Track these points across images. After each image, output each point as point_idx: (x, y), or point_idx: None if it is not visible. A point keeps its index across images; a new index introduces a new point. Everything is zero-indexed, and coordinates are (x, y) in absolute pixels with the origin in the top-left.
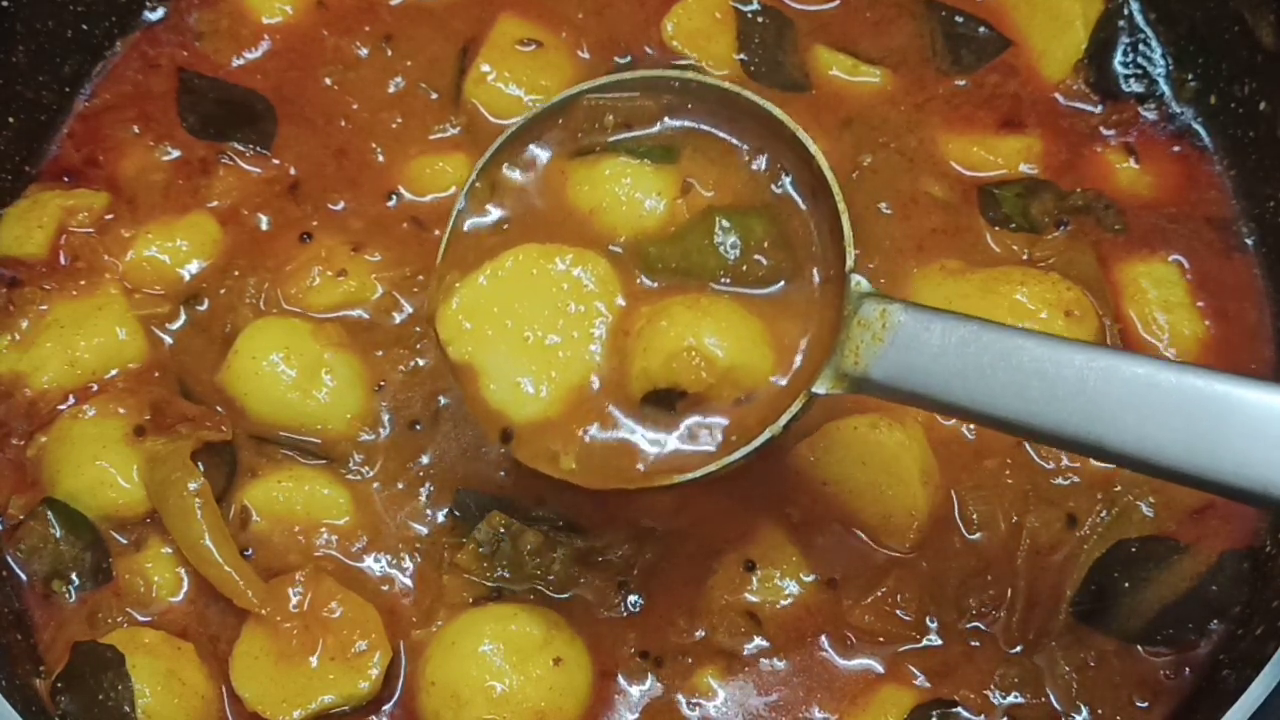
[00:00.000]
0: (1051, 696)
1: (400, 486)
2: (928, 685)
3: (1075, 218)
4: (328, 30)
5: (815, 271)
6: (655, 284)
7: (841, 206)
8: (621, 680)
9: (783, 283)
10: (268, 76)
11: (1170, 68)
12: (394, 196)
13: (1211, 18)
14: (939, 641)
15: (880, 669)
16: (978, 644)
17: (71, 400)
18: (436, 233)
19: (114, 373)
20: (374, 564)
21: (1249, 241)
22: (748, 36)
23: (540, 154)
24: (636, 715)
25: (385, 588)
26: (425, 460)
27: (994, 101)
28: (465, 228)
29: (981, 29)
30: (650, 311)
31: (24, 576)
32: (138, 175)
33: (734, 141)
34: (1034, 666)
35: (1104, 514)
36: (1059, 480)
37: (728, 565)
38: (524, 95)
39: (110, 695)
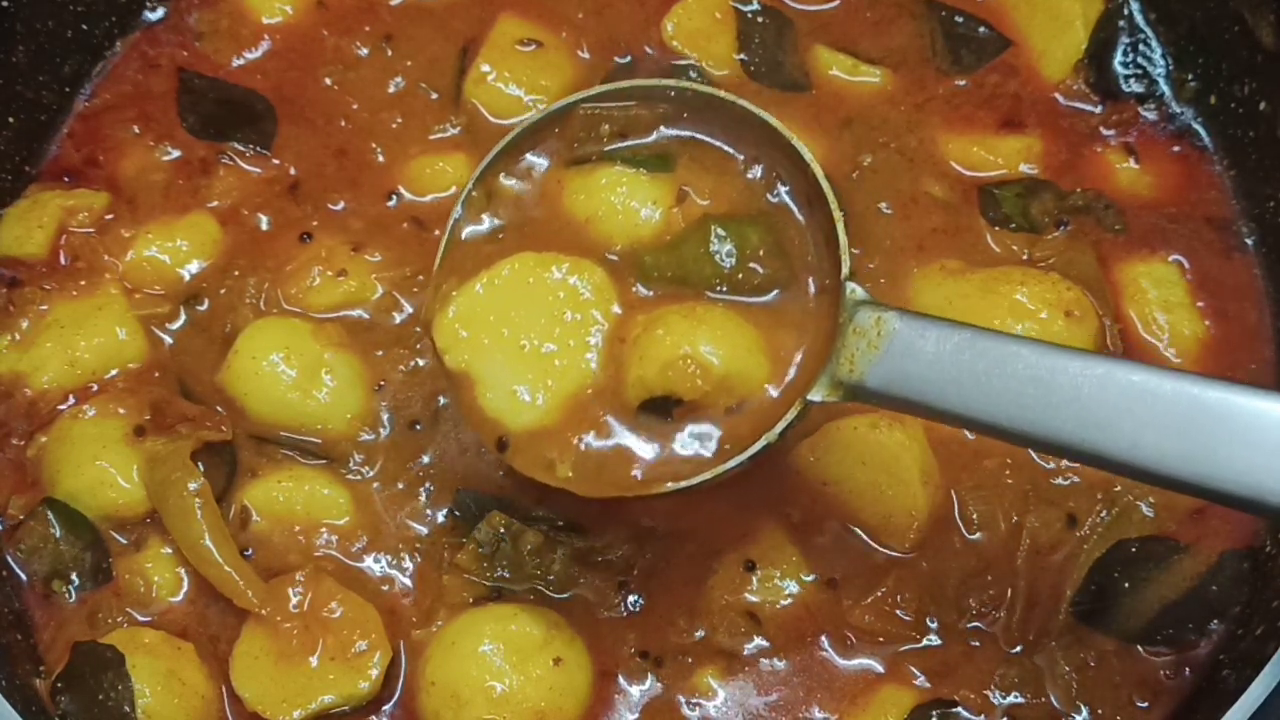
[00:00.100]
0: (1051, 696)
1: (400, 486)
2: (928, 685)
3: (1075, 218)
4: (328, 30)
5: (811, 280)
6: (651, 292)
7: (837, 215)
8: (621, 680)
9: (778, 291)
10: (268, 76)
11: (1170, 68)
12: (394, 196)
13: (1211, 18)
14: (939, 641)
15: (880, 669)
16: (978, 644)
17: (71, 400)
18: (436, 233)
19: (114, 373)
20: (374, 564)
21: (1249, 241)
22: (748, 36)
23: (537, 163)
24: (636, 715)
25: (385, 588)
26: (425, 460)
27: (994, 101)
28: (462, 236)
29: (981, 29)
30: (646, 320)
31: (24, 576)
32: (138, 175)
33: (730, 150)
34: (1034, 666)
35: (1104, 514)
36: (1059, 480)
37: (728, 565)
38: (524, 95)
39: (110, 695)
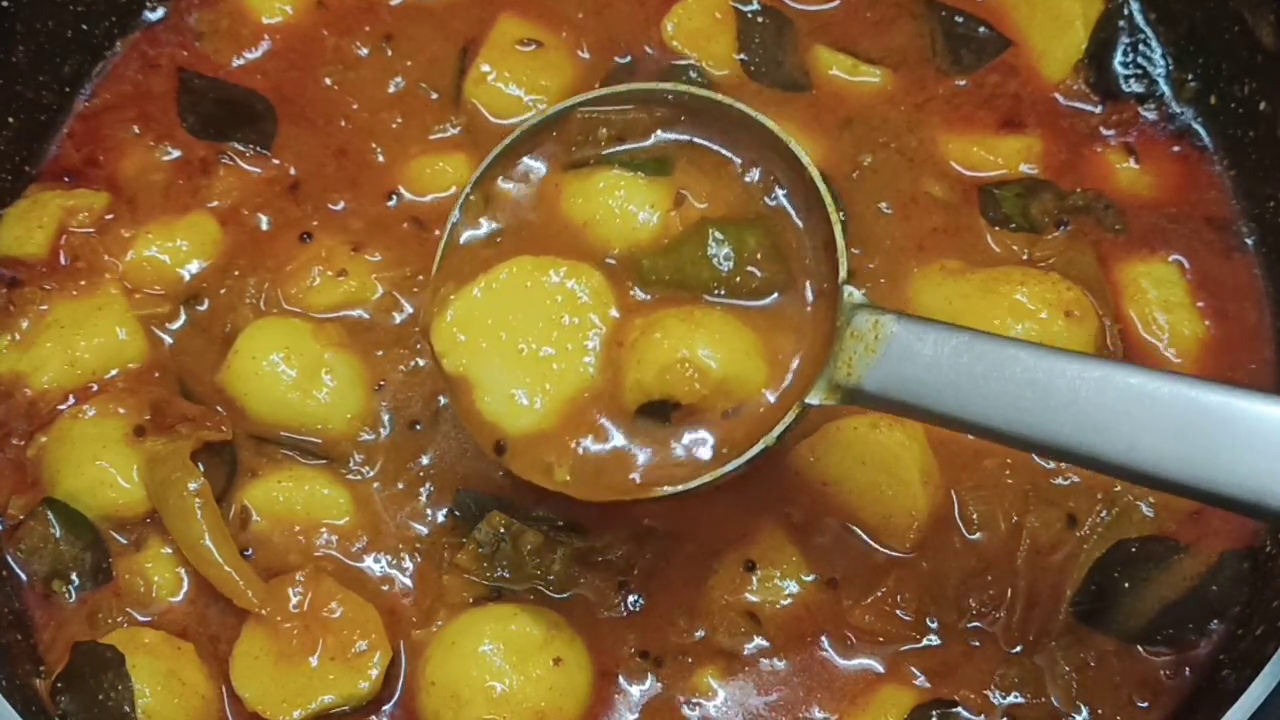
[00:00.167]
0: (1052, 696)
1: (400, 486)
2: (928, 685)
3: (1075, 218)
4: (328, 30)
5: (808, 283)
6: (649, 296)
7: (834, 218)
8: (621, 680)
9: (776, 295)
10: (268, 76)
11: (1170, 68)
12: (394, 196)
13: (1211, 18)
14: (939, 641)
15: (880, 669)
16: (978, 644)
17: (71, 400)
18: (436, 233)
19: (114, 373)
20: (374, 564)
21: (1249, 241)
22: (748, 36)
23: (534, 167)
24: (636, 715)
25: (385, 588)
26: (425, 460)
27: (994, 101)
28: (460, 240)
29: (981, 29)
30: (644, 324)
31: (24, 576)
32: (138, 175)
33: (727, 154)
34: (1034, 666)
35: (1104, 514)
36: (1059, 480)
37: (728, 565)
38: (524, 95)
39: (110, 695)
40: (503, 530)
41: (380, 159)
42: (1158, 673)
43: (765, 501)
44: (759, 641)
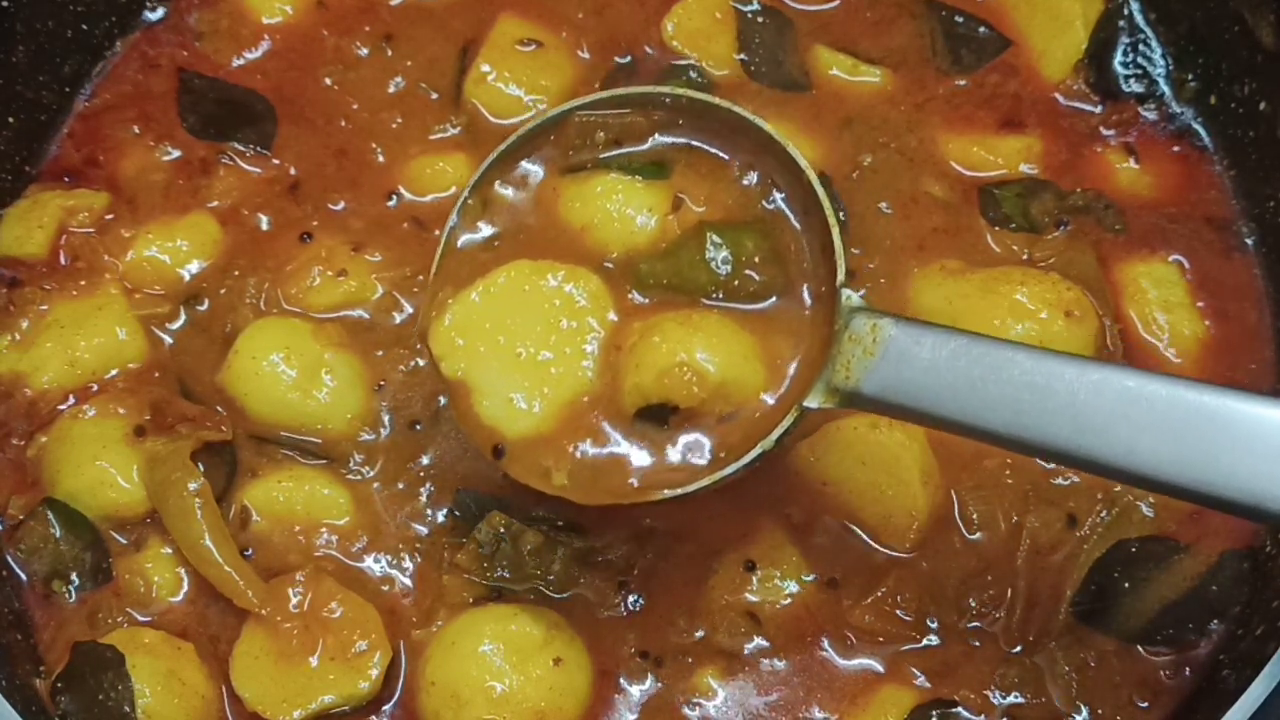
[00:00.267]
0: (1052, 696)
1: (400, 486)
2: (928, 685)
3: (1075, 218)
4: (328, 30)
5: (807, 287)
6: (647, 300)
7: (831, 221)
8: (621, 680)
9: (774, 298)
10: (268, 76)
11: (1170, 68)
12: (394, 196)
13: (1211, 18)
14: (939, 641)
15: (880, 669)
16: (978, 644)
17: (71, 400)
18: (436, 232)
19: (114, 373)
20: (374, 564)
21: (1249, 241)
22: (748, 36)
23: (532, 170)
24: (636, 715)
25: (385, 588)
26: (425, 460)
27: (994, 101)
28: (458, 244)
29: (981, 29)
30: (642, 327)
31: (24, 576)
32: (138, 175)
33: (725, 157)
34: (1034, 666)
35: (1104, 514)
36: (1059, 480)
37: (728, 565)
38: (524, 95)
39: (110, 695)
40: (503, 530)
41: (380, 159)
42: (1158, 673)
43: (765, 501)
44: (759, 641)
